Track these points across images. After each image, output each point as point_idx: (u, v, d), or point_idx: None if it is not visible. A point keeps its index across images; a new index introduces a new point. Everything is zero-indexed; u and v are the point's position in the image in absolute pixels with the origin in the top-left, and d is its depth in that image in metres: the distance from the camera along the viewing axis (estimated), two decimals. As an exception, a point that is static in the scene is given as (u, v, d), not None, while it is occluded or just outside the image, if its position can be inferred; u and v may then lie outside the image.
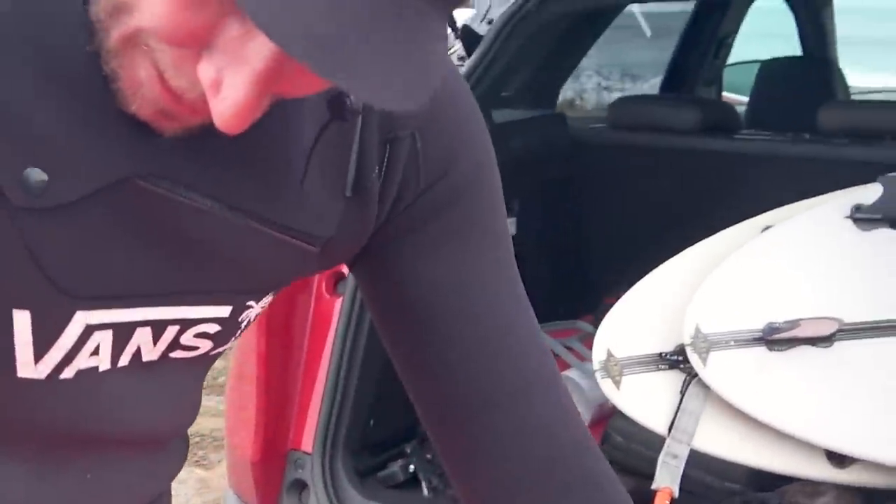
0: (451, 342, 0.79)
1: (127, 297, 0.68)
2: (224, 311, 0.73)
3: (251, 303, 0.75)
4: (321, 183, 0.71)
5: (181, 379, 0.77)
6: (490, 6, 2.21)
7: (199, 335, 0.73)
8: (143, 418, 0.75)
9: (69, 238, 0.64)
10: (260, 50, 0.54)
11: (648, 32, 4.31)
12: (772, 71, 3.06)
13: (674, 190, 2.33)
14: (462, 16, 2.22)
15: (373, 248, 0.78)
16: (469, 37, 2.14)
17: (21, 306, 0.65)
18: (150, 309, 0.69)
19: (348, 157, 0.72)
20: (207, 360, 0.77)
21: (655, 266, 1.77)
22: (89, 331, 0.67)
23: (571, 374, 2.10)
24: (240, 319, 0.75)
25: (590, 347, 2.20)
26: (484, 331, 0.80)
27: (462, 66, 2.14)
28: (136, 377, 0.72)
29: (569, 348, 2.09)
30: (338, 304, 2.04)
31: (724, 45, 3.28)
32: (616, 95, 6.60)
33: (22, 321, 0.65)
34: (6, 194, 0.61)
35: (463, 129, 0.78)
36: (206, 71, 0.56)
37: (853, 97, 3.58)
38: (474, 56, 2.10)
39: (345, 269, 2.03)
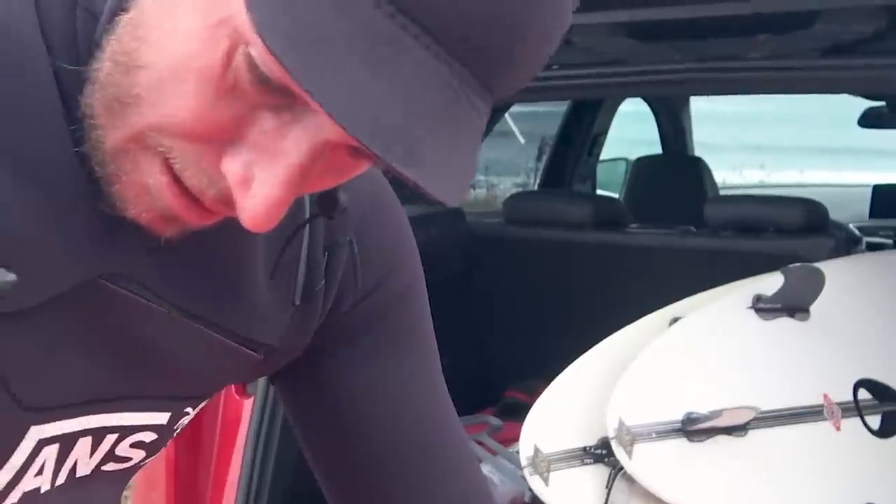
0: (382, 454, 0.76)
1: (76, 406, 0.62)
2: (163, 417, 0.68)
3: (188, 409, 0.71)
4: (272, 289, 0.68)
5: (107, 495, 0.71)
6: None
7: (134, 444, 0.68)
8: None
9: (28, 345, 0.57)
10: (298, 144, 0.51)
11: (522, 140, 4.42)
12: (645, 168, 3.15)
13: (569, 283, 2.35)
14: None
15: (303, 356, 0.74)
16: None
17: None
18: (94, 416, 0.63)
19: (297, 263, 0.69)
20: (131, 473, 0.72)
21: (554, 357, 1.77)
22: (39, 446, 0.61)
23: (484, 468, 2.06)
24: (175, 427, 0.71)
25: (500, 441, 2.17)
26: (415, 443, 0.77)
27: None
28: (68, 496, 0.65)
29: (480, 443, 2.05)
30: (247, 405, 1.96)
31: (597, 143, 3.37)
32: (481, 191, 6.68)
33: None
34: None
35: (397, 238, 0.76)
36: (233, 166, 0.52)
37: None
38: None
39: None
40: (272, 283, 0.67)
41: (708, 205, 2.22)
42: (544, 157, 3.51)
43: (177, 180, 0.54)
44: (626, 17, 1.87)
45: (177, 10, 0.50)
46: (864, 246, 3.16)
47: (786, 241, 2.13)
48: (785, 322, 1.73)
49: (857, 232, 3.56)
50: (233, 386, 1.97)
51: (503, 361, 2.37)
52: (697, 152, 3.68)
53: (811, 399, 1.69)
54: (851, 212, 3.87)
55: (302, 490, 1.99)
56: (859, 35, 1.70)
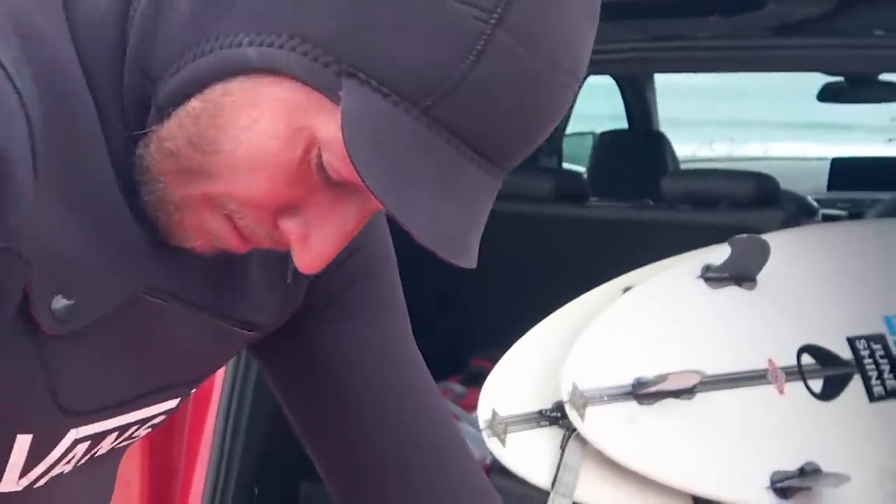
0: (365, 411, 0.80)
1: (112, 408, 0.68)
2: (174, 403, 0.74)
3: (193, 390, 0.77)
4: (264, 271, 0.73)
5: (113, 465, 0.78)
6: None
7: (147, 427, 0.74)
8: None
9: (80, 360, 0.63)
10: (352, 216, 0.61)
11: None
12: (608, 142, 3.20)
13: (531, 255, 2.39)
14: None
15: (285, 325, 0.79)
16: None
17: (26, 430, 0.63)
18: (124, 415, 0.69)
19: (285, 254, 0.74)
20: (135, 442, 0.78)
21: (517, 327, 1.82)
22: (74, 444, 0.67)
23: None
24: (179, 406, 0.77)
25: (464, 407, 2.23)
26: (398, 397, 0.81)
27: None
28: (85, 472, 0.71)
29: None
30: (219, 375, 2.00)
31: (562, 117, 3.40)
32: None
33: (22, 443, 0.63)
34: (37, 322, 0.59)
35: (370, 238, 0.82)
36: (291, 226, 0.61)
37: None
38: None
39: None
40: (263, 266, 0.72)
41: (664, 179, 2.27)
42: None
43: (237, 228, 0.62)
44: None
45: (254, 110, 0.58)
46: (819, 218, 3.23)
47: (738, 213, 2.19)
48: (732, 291, 1.78)
49: (814, 204, 3.63)
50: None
51: (469, 330, 2.42)
52: (670, 126, 3.72)
53: (756, 364, 1.75)
54: (812, 184, 3.94)
55: (272, 458, 2.04)
56: (806, 16, 1.75)
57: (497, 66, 0.56)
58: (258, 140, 0.58)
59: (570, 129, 4.77)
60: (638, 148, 3.12)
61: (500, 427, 1.64)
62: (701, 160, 6.05)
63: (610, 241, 2.28)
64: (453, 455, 0.84)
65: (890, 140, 6.77)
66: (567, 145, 4.03)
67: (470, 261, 0.60)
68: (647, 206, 2.33)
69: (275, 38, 0.56)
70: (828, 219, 3.22)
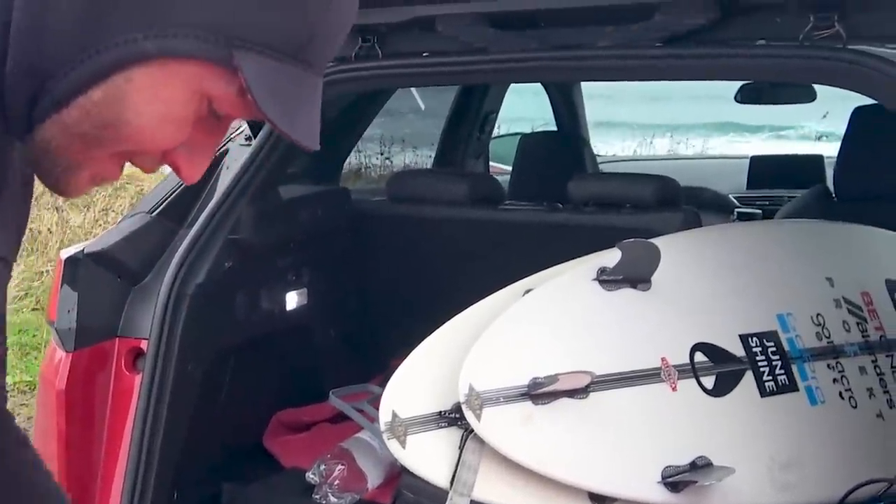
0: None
1: None
2: None
3: None
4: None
5: None
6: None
7: None
8: None
9: None
10: (222, 133, 0.81)
11: (423, 106, 4.47)
12: (529, 144, 3.22)
13: (447, 257, 2.41)
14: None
15: None
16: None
17: None
18: None
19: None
20: None
21: (435, 328, 1.83)
22: None
23: (363, 435, 2.12)
24: None
25: (379, 408, 2.23)
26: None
27: (249, 145, 2.15)
28: None
29: (360, 411, 2.11)
30: (137, 381, 1.99)
31: (488, 121, 3.42)
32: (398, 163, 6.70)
33: None
34: None
35: None
36: (180, 152, 0.78)
37: (600, 165, 3.82)
38: (259, 136, 2.12)
39: (143, 346, 1.99)
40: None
41: (571, 182, 2.29)
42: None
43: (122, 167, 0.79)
44: (488, 8, 1.93)
45: (156, 87, 0.74)
46: (735, 216, 3.28)
47: (641, 215, 2.21)
48: (627, 293, 1.81)
49: (734, 202, 3.68)
50: (122, 362, 2.00)
51: (389, 332, 2.43)
52: (617, 128, 3.75)
53: (650, 363, 1.77)
54: (735, 182, 3.99)
55: (192, 461, 2.04)
56: (693, 26, 1.77)
57: (330, 15, 0.78)
58: (163, 107, 0.74)
59: (507, 130, 4.82)
60: (557, 149, 3.14)
61: (400, 429, 1.65)
62: (643, 158, 6.11)
63: (522, 243, 2.30)
64: None
65: (819, 138, 6.88)
66: (500, 146, 4.06)
67: (318, 143, 0.79)
68: (556, 209, 2.35)
69: (168, 28, 0.72)
70: (743, 217, 3.26)
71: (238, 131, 2.18)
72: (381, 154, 7.67)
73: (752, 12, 1.75)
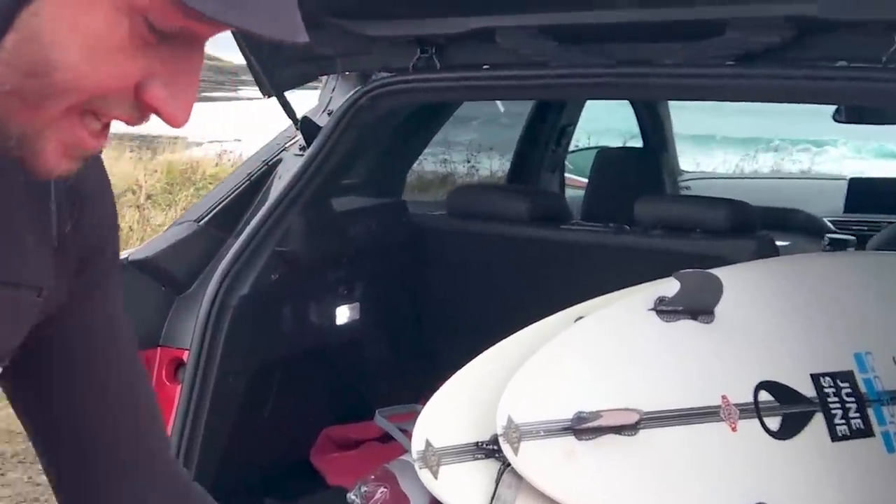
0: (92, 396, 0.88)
1: None
2: None
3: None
4: (32, 236, 0.77)
5: None
6: (331, 99, 2.19)
7: None
8: None
9: None
10: (195, 61, 0.68)
11: (502, 109, 4.41)
12: (605, 159, 3.12)
13: (506, 276, 2.33)
14: (304, 108, 2.19)
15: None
16: (309, 128, 2.11)
17: None
18: None
19: (48, 210, 0.79)
20: None
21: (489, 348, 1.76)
22: None
23: (407, 458, 2.06)
24: None
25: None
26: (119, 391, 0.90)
27: (302, 155, 2.11)
28: None
29: (405, 431, 2.05)
30: (178, 391, 1.97)
31: (565, 134, 3.33)
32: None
33: None
34: None
35: (112, 215, 0.90)
36: (153, 91, 0.67)
37: (683, 183, 3.69)
38: (313, 146, 2.08)
39: (185, 356, 1.98)
40: (32, 230, 0.77)
41: (638, 204, 2.19)
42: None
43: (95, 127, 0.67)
44: (550, 21, 1.86)
45: (69, 12, 0.62)
46: (826, 241, 3.12)
47: (711, 241, 2.10)
48: (687, 324, 1.70)
49: (829, 226, 3.51)
50: (163, 372, 1.99)
51: (444, 353, 2.37)
52: (720, 142, 3.62)
53: (708, 400, 1.67)
54: (833, 204, 3.81)
55: (228, 476, 2.01)
56: (767, 45, 1.67)
57: None
58: (86, 35, 0.63)
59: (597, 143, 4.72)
60: (635, 167, 3.03)
61: (433, 459, 1.58)
62: (727, 176, 5.92)
63: (584, 266, 2.21)
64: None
65: None
66: (582, 159, 3.96)
67: (303, 35, 0.66)
68: (622, 231, 2.25)
69: None
70: (835, 242, 3.10)
71: (293, 141, 2.14)
72: (468, 161, 7.64)
73: (831, 31, 1.64)
